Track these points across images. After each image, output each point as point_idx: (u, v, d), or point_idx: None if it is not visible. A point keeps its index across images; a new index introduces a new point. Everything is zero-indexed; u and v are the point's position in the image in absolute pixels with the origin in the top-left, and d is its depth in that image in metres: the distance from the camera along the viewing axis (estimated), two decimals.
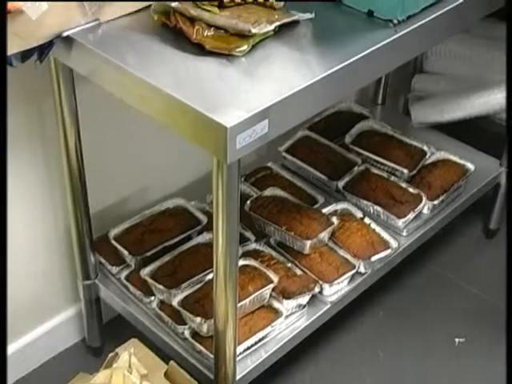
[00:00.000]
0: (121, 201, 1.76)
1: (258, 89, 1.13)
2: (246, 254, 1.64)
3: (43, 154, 1.54)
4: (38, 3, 1.10)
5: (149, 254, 1.64)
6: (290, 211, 1.73)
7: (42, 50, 1.20)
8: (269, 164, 1.93)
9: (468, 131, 2.16)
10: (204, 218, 1.72)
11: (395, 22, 1.25)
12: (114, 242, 1.66)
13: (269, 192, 1.78)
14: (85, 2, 1.18)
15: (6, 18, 1.08)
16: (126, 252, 1.64)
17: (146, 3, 1.23)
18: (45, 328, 1.75)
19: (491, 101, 2.07)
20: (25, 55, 1.17)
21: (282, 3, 1.24)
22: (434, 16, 1.29)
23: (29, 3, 1.10)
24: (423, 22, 1.28)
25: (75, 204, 1.53)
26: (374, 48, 1.20)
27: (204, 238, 1.68)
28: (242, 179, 1.87)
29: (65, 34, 1.19)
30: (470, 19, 1.45)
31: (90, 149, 1.51)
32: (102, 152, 1.62)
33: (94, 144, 1.55)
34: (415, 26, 1.26)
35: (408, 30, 1.25)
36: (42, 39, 1.17)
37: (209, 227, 1.67)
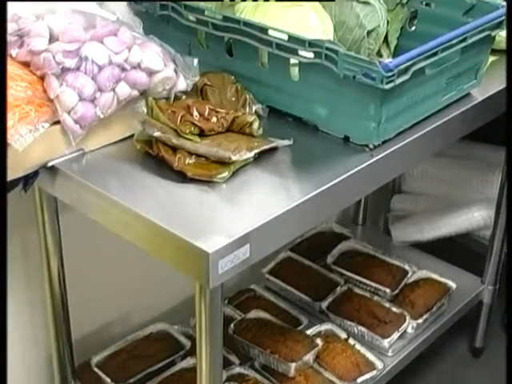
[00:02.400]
0: (104, 326, 1.75)
1: (239, 214, 1.15)
2: (230, 379, 1.62)
3: (24, 280, 1.54)
4: (24, 136, 1.13)
5: (132, 380, 1.61)
6: (274, 333, 1.72)
7: (27, 180, 1.22)
8: (252, 286, 1.94)
9: (448, 249, 2.19)
10: (187, 343, 1.71)
11: (371, 146, 1.29)
12: (96, 369, 1.63)
13: (252, 314, 1.78)
14: (69, 132, 1.21)
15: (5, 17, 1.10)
16: (108, 380, 1.61)
17: (130, 133, 1.27)
18: None
19: (469, 219, 2.12)
20: (10, 185, 1.20)
21: (261, 130, 1.28)
22: (408, 140, 1.33)
23: (16, 136, 1.13)
24: (398, 146, 1.31)
25: (57, 331, 1.52)
26: (350, 172, 1.23)
27: (188, 362, 1.66)
28: (226, 302, 1.87)
29: (50, 163, 1.22)
30: (444, 142, 1.49)
31: (72, 274, 1.51)
32: (84, 277, 1.63)
33: (77, 269, 1.56)
34: (390, 150, 1.30)
35: (384, 154, 1.29)
36: (28, 169, 1.20)
37: (192, 352, 1.65)
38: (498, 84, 1.51)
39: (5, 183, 1.09)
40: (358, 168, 1.25)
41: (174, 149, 1.21)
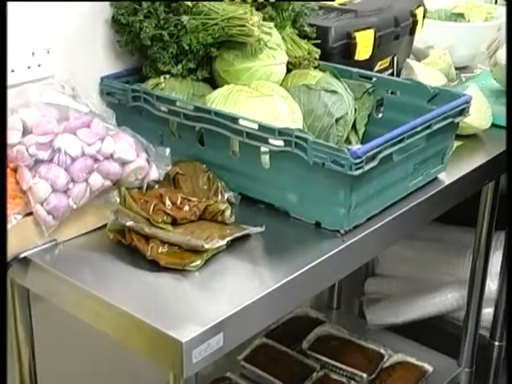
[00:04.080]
0: None
1: (212, 302, 1.15)
2: None
3: None
4: None
5: None
6: None
7: None
8: (227, 374, 1.92)
9: (423, 331, 2.19)
10: None
11: (342, 232, 1.30)
12: None
13: None
14: (42, 223, 1.22)
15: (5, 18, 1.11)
16: None
17: (103, 223, 1.28)
18: None
19: (443, 301, 2.13)
20: None
21: (233, 218, 1.30)
22: (379, 225, 1.35)
23: None
24: (369, 231, 1.33)
25: None
26: (323, 258, 1.24)
27: None
28: None
29: (22, 255, 1.22)
30: (414, 226, 1.51)
31: (44, 366, 1.48)
32: (56, 369, 1.60)
33: (49, 361, 1.53)
34: (362, 235, 1.32)
35: (355, 239, 1.30)
36: None
37: None
38: (464, 168, 1.55)
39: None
40: (330, 253, 1.26)
41: (147, 238, 1.22)
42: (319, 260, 1.24)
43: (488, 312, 2.09)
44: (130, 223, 1.21)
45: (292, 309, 2.03)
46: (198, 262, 1.19)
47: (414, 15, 1.83)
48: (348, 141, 1.53)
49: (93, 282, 1.18)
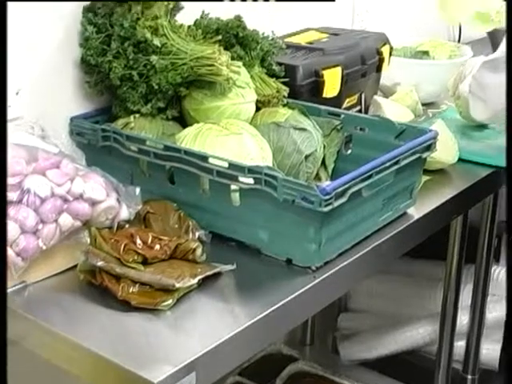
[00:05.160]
0: None
1: (184, 341, 1.14)
2: None
3: None
4: None
5: None
6: None
7: None
8: None
9: (397, 366, 2.19)
10: None
11: (313, 268, 1.31)
12: None
13: None
14: (11, 265, 1.21)
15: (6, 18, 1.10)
16: None
17: (73, 263, 1.27)
18: None
19: (415, 335, 2.14)
20: None
21: (204, 256, 1.30)
22: (350, 260, 1.36)
23: None
24: (340, 266, 1.33)
25: None
26: (295, 295, 1.24)
27: None
28: None
29: None
30: (384, 261, 1.52)
31: None
32: None
33: None
34: (333, 271, 1.32)
35: (326, 275, 1.30)
36: None
37: None
38: (433, 202, 1.57)
39: None
40: (302, 290, 1.26)
41: (118, 278, 1.21)
42: (291, 297, 1.24)
43: (460, 345, 2.10)
44: (100, 263, 1.21)
45: (265, 346, 2.02)
46: (170, 302, 1.18)
47: (380, 53, 1.87)
48: (318, 177, 1.54)
49: (64, 324, 1.17)
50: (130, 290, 1.19)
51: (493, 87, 1.55)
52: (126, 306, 1.19)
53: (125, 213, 1.31)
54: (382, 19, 2.35)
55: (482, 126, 1.89)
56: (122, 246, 1.24)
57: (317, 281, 1.29)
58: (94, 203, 1.27)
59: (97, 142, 1.47)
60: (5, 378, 1.06)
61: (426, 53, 2.14)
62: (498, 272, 2.16)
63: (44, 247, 1.21)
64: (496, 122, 1.65)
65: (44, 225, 1.21)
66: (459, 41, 2.66)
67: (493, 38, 2.45)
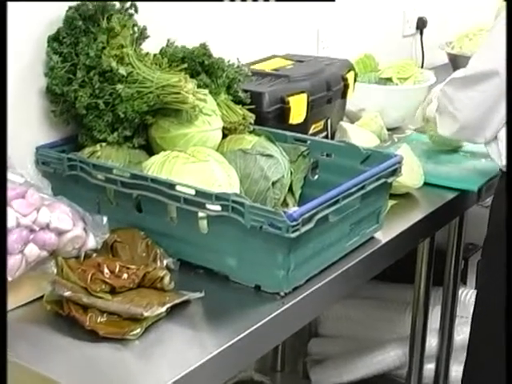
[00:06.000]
0: None
1: (153, 370, 1.13)
2: None
3: None
4: None
5: None
6: None
7: None
8: None
9: None
10: None
11: (282, 294, 1.31)
12: None
13: None
14: None
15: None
16: None
17: (40, 294, 1.26)
18: None
19: (386, 359, 2.14)
20: None
21: (172, 284, 1.29)
22: (319, 285, 1.36)
23: None
24: (308, 292, 1.34)
25: None
26: (264, 321, 1.24)
27: None
28: None
29: None
30: (352, 285, 1.53)
31: None
32: None
33: None
34: (301, 296, 1.32)
35: (295, 301, 1.31)
36: None
37: None
38: (400, 226, 1.58)
39: None
40: (271, 316, 1.26)
41: (86, 308, 1.20)
42: (260, 323, 1.24)
43: (430, 368, 2.10)
44: (67, 293, 1.20)
45: (235, 373, 2.00)
46: (138, 331, 1.18)
47: (345, 79, 1.89)
48: (285, 203, 1.55)
49: (31, 356, 1.15)
50: (98, 320, 1.18)
51: (463, 98, 1.56)
52: (93, 336, 1.18)
53: (92, 242, 1.31)
54: (346, 46, 2.37)
55: (448, 150, 1.91)
56: (90, 275, 1.23)
57: (285, 307, 1.29)
58: (60, 233, 1.26)
59: (63, 171, 1.46)
60: (5, 378, 1.04)
61: (389, 79, 2.17)
62: (466, 294, 2.17)
63: (10, 279, 1.20)
64: (464, 136, 1.64)
65: (10, 256, 1.20)
66: (422, 66, 2.70)
67: (454, 64, 2.50)
